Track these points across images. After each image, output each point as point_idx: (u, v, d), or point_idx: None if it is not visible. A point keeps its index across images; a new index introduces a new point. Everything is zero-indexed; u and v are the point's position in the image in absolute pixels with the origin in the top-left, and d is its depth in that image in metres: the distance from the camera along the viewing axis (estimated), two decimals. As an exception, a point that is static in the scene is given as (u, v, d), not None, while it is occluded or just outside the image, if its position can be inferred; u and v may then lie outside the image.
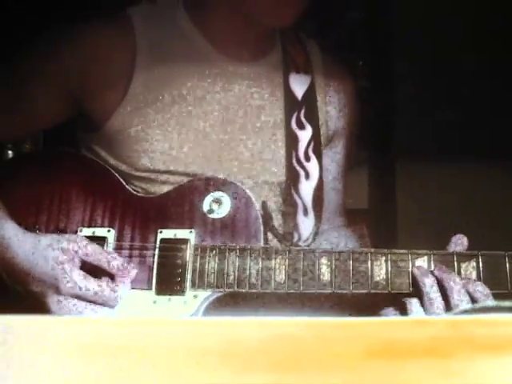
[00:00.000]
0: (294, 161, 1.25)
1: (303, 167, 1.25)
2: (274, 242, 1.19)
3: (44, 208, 1.14)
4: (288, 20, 1.18)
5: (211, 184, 1.14)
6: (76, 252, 1.03)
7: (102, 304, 1.03)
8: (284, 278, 1.06)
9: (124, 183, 1.18)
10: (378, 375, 0.46)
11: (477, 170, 2.03)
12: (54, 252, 1.03)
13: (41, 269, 1.02)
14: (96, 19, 1.21)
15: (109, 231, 1.12)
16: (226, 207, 1.12)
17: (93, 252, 1.04)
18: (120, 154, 1.20)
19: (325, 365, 0.47)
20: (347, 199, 1.40)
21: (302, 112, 1.27)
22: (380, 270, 1.05)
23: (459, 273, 1.04)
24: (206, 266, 1.07)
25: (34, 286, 1.03)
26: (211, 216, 1.12)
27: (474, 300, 1.01)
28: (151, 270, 1.09)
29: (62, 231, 1.11)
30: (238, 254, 1.08)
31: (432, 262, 1.05)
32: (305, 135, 1.27)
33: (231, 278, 1.07)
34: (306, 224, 1.25)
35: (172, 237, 1.10)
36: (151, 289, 1.08)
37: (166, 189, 1.17)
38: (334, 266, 1.05)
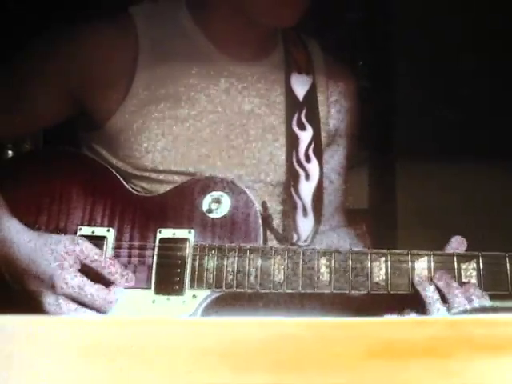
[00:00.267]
0: (295, 161, 1.25)
1: (303, 168, 1.25)
2: (273, 243, 1.19)
3: (44, 207, 1.14)
4: (289, 21, 1.18)
5: (211, 183, 1.14)
6: (75, 253, 1.03)
7: (96, 308, 1.03)
8: (283, 277, 1.06)
9: (124, 182, 1.18)
10: (378, 375, 0.46)
11: (477, 170, 2.03)
12: (53, 252, 1.03)
13: (39, 267, 1.02)
14: (97, 19, 1.21)
15: (108, 230, 1.12)
16: (226, 207, 1.12)
17: (92, 255, 1.04)
18: (120, 154, 1.20)
19: (325, 365, 0.47)
20: (347, 199, 1.40)
21: (303, 113, 1.27)
22: (379, 270, 1.05)
23: (459, 274, 1.04)
24: (205, 266, 1.07)
25: (32, 284, 1.03)
26: (210, 215, 1.12)
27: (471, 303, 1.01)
28: (150, 269, 1.09)
29: (62, 230, 1.12)
30: (237, 253, 1.08)
31: (432, 262, 1.04)
32: (305, 136, 1.26)
33: (230, 277, 1.07)
34: (305, 225, 1.24)
35: (171, 236, 1.10)
36: (150, 288, 1.08)
37: (165, 188, 1.17)
38: (333, 266, 1.05)
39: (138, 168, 1.19)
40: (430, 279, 1.03)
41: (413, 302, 1.04)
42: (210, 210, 1.12)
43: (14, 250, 1.05)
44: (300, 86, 1.28)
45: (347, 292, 1.06)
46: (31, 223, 1.11)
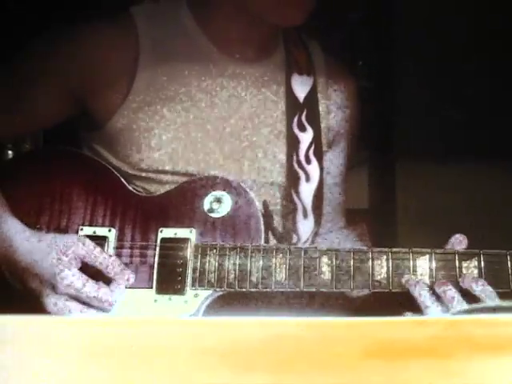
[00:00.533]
0: (295, 163, 1.25)
1: (304, 169, 1.25)
2: (273, 243, 1.19)
3: (45, 207, 1.14)
4: (297, 20, 1.18)
5: (212, 183, 1.14)
6: (75, 252, 1.03)
7: (96, 307, 1.03)
8: (285, 276, 1.06)
9: (125, 182, 1.18)
10: (378, 375, 0.46)
11: (477, 170, 2.03)
12: (54, 251, 1.03)
13: (40, 266, 1.02)
14: (97, 19, 1.21)
15: (109, 230, 1.12)
16: (227, 206, 1.12)
17: (93, 254, 1.04)
18: (121, 153, 1.20)
19: (325, 365, 0.47)
20: (347, 199, 1.40)
21: (304, 114, 1.27)
22: (381, 268, 1.05)
23: (461, 272, 1.03)
24: (207, 265, 1.08)
25: (33, 283, 1.03)
26: (212, 215, 1.12)
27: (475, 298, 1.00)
28: (152, 269, 1.09)
29: (63, 230, 1.12)
30: (238, 252, 1.08)
31: (433, 260, 1.04)
32: (306, 137, 1.26)
33: (232, 277, 1.07)
34: (305, 226, 1.24)
35: (172, 236, 1.10)
36: (152, 288, 1.08)
37: (166, 188, 1.17)
38: (334, 265, 1.05)
39: (138, 168, 1.19)
40: (429, 286, 1.03)
41: (409, 304, 1.04)
42: (211, 210, 1.12)
43: (15, 249, 1.05)
44: (301, 87, 1.28)
45: (349, 290, 1.06)
46: (32, 223, 1.11)
